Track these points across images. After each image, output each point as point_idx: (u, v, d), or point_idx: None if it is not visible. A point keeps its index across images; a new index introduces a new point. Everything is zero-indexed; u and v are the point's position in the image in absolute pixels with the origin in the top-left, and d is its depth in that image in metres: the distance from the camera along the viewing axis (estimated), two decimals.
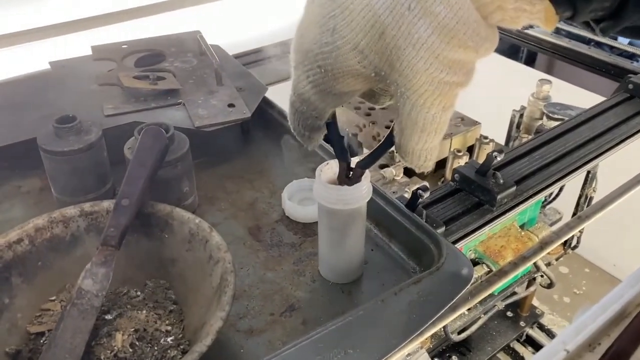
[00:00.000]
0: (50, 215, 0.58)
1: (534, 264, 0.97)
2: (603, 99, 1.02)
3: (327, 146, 0.75)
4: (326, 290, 0.62)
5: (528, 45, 1.28)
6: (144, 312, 0.55)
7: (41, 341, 0.53)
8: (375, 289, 0.61)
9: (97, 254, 0.55)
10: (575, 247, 1.16)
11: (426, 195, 0.65)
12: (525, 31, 1.26)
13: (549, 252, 0.83)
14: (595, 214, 0.80)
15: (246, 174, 0.79)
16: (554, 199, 1.08)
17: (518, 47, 1.82)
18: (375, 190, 0.64)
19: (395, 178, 0.97)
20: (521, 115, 1.15)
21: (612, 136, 0.89)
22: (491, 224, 0.73)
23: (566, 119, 1.00)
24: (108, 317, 0.55)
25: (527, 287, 1.15)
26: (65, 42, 1.10)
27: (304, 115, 0.46)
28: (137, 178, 0.59)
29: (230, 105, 0.80)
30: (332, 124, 0.49)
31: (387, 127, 1.05)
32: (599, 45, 1.33)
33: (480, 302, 0.98)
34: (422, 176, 0.99)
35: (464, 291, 0.55)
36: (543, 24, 0.38)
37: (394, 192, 0.94)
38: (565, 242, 1.12)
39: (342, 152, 0.53)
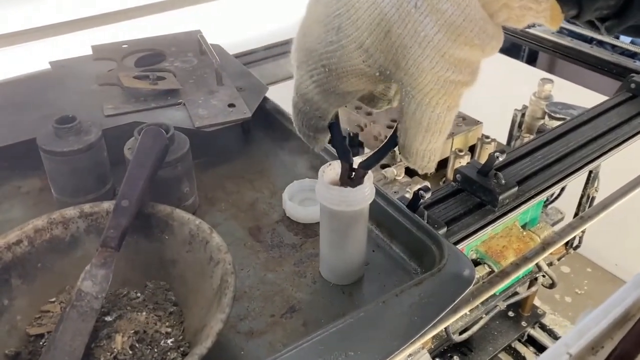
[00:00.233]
0: (49, 216, 0.57)
1: (536, 264, 0.96)
2: (605, 98, 1.02)
3: (328, 146, 0.74)
4: (327, 292, 0.61)
5: (530, 43, 1.27)
6: (144, 313, 0.55)
7: (40, 343, 0.53)
8: (376, 291, 0.61)
9: (96, 255, 0.55)
10: (577, 247, 1.15)
11: (428, 195, 0.65)
12: (527, 30, 1.26)
13: (551, 252, 0.82)
14: (598, 214, 0.80)
15: (247, 174, 0.79)
16: (556, 198, 1.07)
17: (519, 46, 1.81)
18: (377, 191, 0.64)
19: (397, 178, 0.96)
20: (523, 115, 1.14)
21: (615, 136, 0.89)
22: (493, 224, 0.73)
23: (568, 118, 1.00)
24: (108, 318, 0.54)
25: (529, 287, 1.15)
26: (65, 42, 1.09)
27: (307, 115, 0.45)
28: (136, 179, 0.58)
29: (231, 105, 0.79)
30: (334, 124, 0.48)
31: (389, 127, 1.05)
32: (601, 44, 1.32)
33: (482, 303, 0.98)
34: (423, 176, 0.99)
35: (465, 292, 0.55)
36: (548, 23, 0.37)
37: (395, 192, 0.93)
38: (567, 242, 1.12)
39: (345, 152, 0.53)
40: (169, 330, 0.54)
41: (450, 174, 1.03)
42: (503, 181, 0.74)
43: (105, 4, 1.13)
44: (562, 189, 1.04)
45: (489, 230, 0.73)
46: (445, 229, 0.69)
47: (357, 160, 0.55)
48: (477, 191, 0.75)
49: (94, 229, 0.59)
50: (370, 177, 0.55)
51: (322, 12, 0.39)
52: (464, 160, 0.99)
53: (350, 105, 1.10)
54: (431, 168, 0.45)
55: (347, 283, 0.62)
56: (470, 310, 1.00)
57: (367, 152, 1.09)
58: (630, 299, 0.51)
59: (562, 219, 1.06)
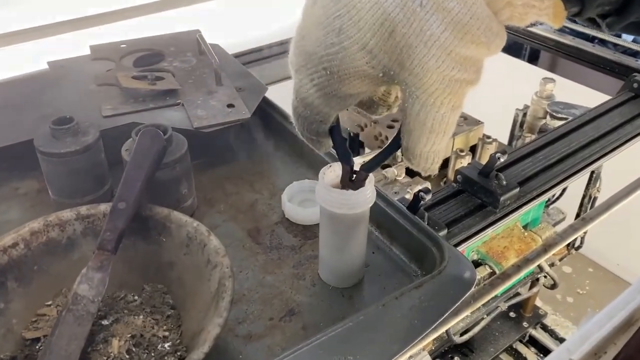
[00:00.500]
0: (46, 218, 0.57)
1: (538, 265, 0.96)
2: (607, 97, 1.01)
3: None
4: (326, 295, 0.61)
5: (531, 42, 1.27)
6: (141, 317, 0.54)
7: (36, 347, 0.53)
8: (376, 293, 0.60)
9: (93, 258, 0.54)
10: (579, 247, 1.15)
11: (428, 197, 0.65)
12: (529, 28, 1.25)
13: (553, 253, 0.82)
14: (600, 215, 0.79)
15: (246, 175, 0.78)
16: (558, 198, 1.07)
17: (521, 45, 1.81)
18: (377, 193, 0.63)
19: (397, 178, 0.96)
20: (524, 114, 1.14)
21: (617, 136, 0.88)
22: (494, 226, 0.72)
23: (570, 118, 0.99)
24: (104, 322, 0.54)
25: (531, 287, 1.14)
26: (64, 42, 1.09)
27: (308, 120, 0.45)
28: (134, 180, 0.58)
29: (230, 106, 0.79)
30: (335, 127, 0.48)
31: (389, 127, 1.04)
32: (603, 42, 1.31)
33: (483, 304, 0.97)
34: (424, 177, 0.98)
35: (466, 295, 0.54)
36: (551, 21, 0.37)
37: (395, 193, 0.93)
38: (569, 242, 1.11)
39: (345, 155, 0.52)
40: (166, 334, 0.54)
41: (451, 174, 1.02)
42: (504, 182, 0.73)
43: (104, 4, 1.12)
44: (564, 189, 1.03)
45: (489, 231, 0.72)
46: (445, 231, 0.68)
47: (357, 161, 0.54)
48: (478, 192, 0.75)
49: (91, 232, 0.58)
50: (371, 179, 0.54)
51: (320, 14, 0.39)
52: (465, 161, 0.98)
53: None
54: (435, 170, 0.44)
55: (347, 286, 0.61)
56: (471, 312, 0.99)
57: (368, 152, 1.09)
58: (635, 302, 0.50)
59: (563, 219, 1.06)
